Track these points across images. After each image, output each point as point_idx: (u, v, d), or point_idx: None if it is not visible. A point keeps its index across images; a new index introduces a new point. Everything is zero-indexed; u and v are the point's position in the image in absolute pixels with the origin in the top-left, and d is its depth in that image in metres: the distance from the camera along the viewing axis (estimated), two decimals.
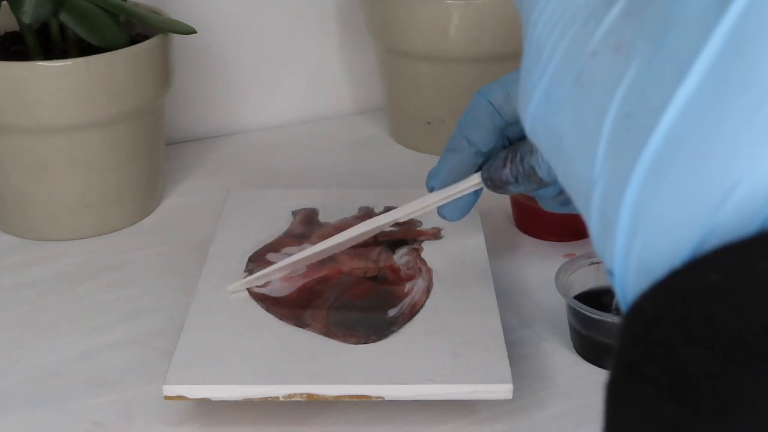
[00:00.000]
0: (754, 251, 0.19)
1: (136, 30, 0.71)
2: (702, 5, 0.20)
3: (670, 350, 0.19)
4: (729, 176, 0.20)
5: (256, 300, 0.54)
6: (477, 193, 0.55)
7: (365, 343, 0.50)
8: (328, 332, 0.51)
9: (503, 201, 0.70)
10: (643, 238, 0.21)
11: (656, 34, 0.21)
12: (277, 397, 0.47)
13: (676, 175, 0.20)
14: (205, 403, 0.50)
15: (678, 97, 0.20)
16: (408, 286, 0.55)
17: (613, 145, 0.22)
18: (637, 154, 0.21)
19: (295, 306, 0.53)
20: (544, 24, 0.25)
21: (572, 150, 0.23)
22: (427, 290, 0.55)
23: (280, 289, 0.55)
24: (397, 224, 0.62)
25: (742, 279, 0.19)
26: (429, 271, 0.57)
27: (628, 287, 0.22)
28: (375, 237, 0.61)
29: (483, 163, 0.53)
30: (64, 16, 0.63)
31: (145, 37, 0.67)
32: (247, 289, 0.55)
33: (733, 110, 0.20)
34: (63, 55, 0.66)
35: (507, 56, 0.77)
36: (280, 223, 0.62)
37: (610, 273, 0.22)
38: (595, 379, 0.52)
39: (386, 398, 0.47)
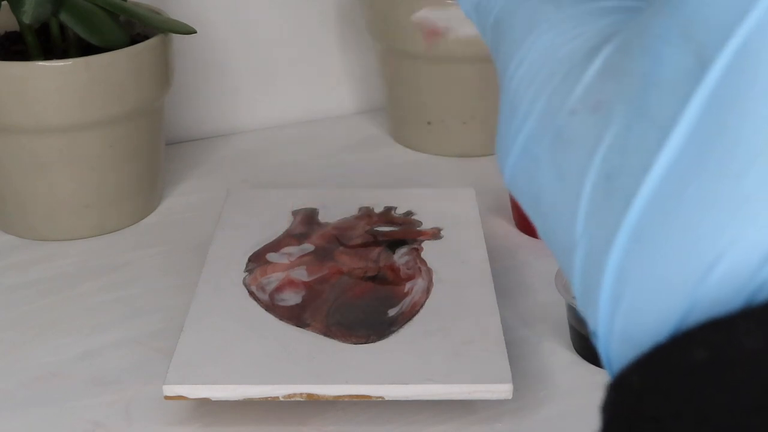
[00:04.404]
0: (740, 327, 0.18)
1: (136, 30, 0.71)
2: (681, 68, 0.20)
3: (658, 426, 0.18)
4: (713, 247, 0.19)
5: (256, 300, 0.54)
6: None
7: (365, 343, 0.50)
8: (328, 332, 0.51)
9: (503, 201, 0.70)
10: (626, 306, 0.20)
11: (635, 95, 0.21)
12: (277, 397, 0.47)
13: (660, 244, 0.20)
14: (205, 403, 0.50)
15: (659, 162, 0.20)
16: (408, 286, 0.55)
17: (594, 208, 0.21)
18: (619, 219, 0.20)
19: (295, 306, 0.53)
20: (521, 78, 0.24)
21: (552, 208, 0.23)
22: (427, 290, 0.55)
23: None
24: (397, 224, 0.62)
25: (729, 356, 0.18)
26: (429, 271, 0.57)
27: (613, 352, 0.21)
28: (375, 237, 0.61)
29: None
30: (64, 16, 0.63)
31: (145, 37, 0.67)
32: (247, 289, 0.55)
33: (716, 179, 0.19)
34: (63, 55, 0.66)
35: None
36: (280, 223, 0.62)
37: (594, 334, 0.22)
38: (595, 379, 0.52)
39: (386, 398, 0.47)
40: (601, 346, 0.22)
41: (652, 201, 0.20)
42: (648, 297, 0.20)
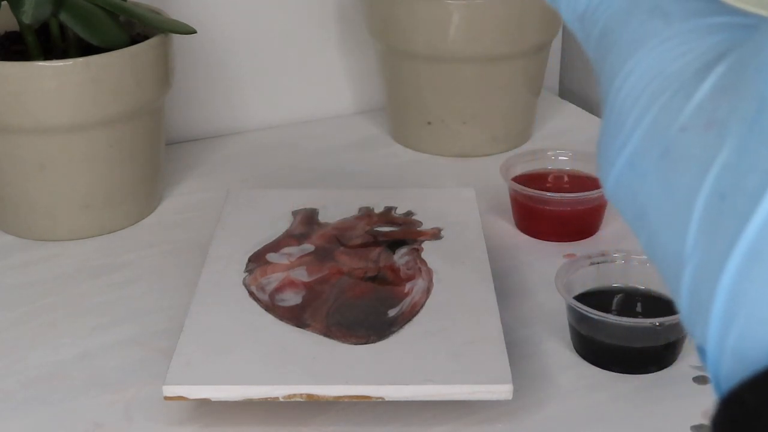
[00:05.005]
0: None
1: (136, 30, 0.71)
2: None
3: None
4: None
5: (255, 300, 0.54)
6: None
7: (365, 343, 0.50)
8: (328, 332, 0.51)
9: (503, 201, 0.70)
10: (740, 326, 0.20)
11: (751, 115, 0.20)
12: (277, 398, 0.47)
13: None
14: (205, 403, 0.50)
15: None
16: (408, 286, 0.55)
17: (706, 226, 0.21)
18: (734, 239, 0.20)
19: (295, 306, 0.53)
20: (629, 91, 0.24)
21: (659, 223, 0.23)
22: (427, 290, 0.55)
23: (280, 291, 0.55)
24: (397, 224, 0.62)
25: None
26: (429, 271, 0.57)
27: (723, 370, 0.21)
28: (375, 237, 0.61)
29: None
30: (64, 16, 0.63)
31: (145, 37, 0.67)
32: (247, 289, 0.55)
33: None
34: (63, 55, 0.66)
35: (507, 56, 0.77)
36: (280, 223, 0.62)
37: (701, 350, 0.22)
38: (595, 379, 0.52)
39: (386, 398, 0.47)
40: (711, 363, 0.22)
41: None
42: (764, 317, 0.20)
